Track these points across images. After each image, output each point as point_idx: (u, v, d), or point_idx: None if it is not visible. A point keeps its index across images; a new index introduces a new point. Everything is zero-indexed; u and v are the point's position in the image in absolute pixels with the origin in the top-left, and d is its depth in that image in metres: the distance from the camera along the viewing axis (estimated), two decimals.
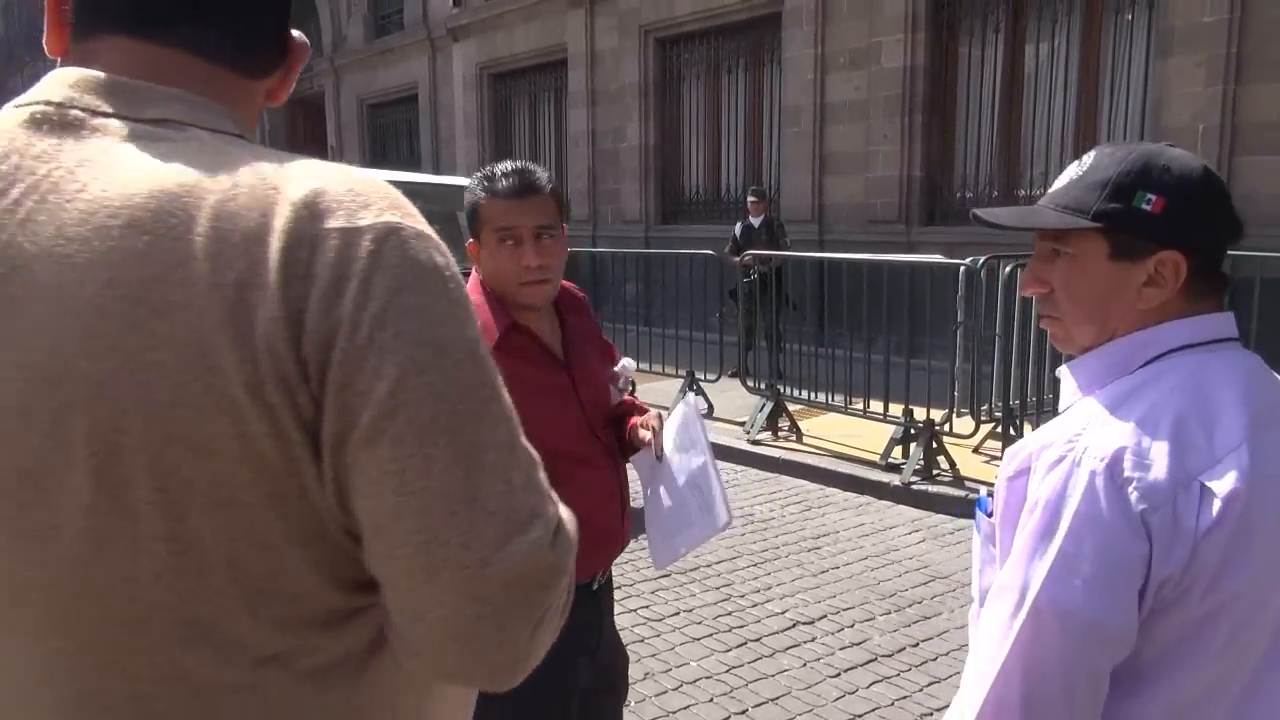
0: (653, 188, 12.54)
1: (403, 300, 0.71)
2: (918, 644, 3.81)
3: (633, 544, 2.22)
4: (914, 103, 9.38)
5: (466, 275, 1.49)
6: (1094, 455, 1.03)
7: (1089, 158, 1.18)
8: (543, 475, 0.79)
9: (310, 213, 0.71)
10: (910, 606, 4.17)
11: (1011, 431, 5.89)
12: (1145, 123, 7.99)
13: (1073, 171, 1.18)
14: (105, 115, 0.76)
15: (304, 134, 19.90)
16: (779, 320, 7.82)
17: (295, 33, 0.91)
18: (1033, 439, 1.12)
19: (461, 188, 2.09)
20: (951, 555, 4.80)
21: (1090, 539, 1.01)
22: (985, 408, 5.95)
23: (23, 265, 0.70)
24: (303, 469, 0.71)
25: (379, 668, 0.79)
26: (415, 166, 15.87)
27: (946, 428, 5.95)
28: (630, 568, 4.41)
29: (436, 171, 14.92)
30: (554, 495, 0.79)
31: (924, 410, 5.93)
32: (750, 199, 9.13)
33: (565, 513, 0.80)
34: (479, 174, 1.95)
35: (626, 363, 2.12)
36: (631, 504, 2.10)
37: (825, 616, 4.06)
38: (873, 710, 3.30)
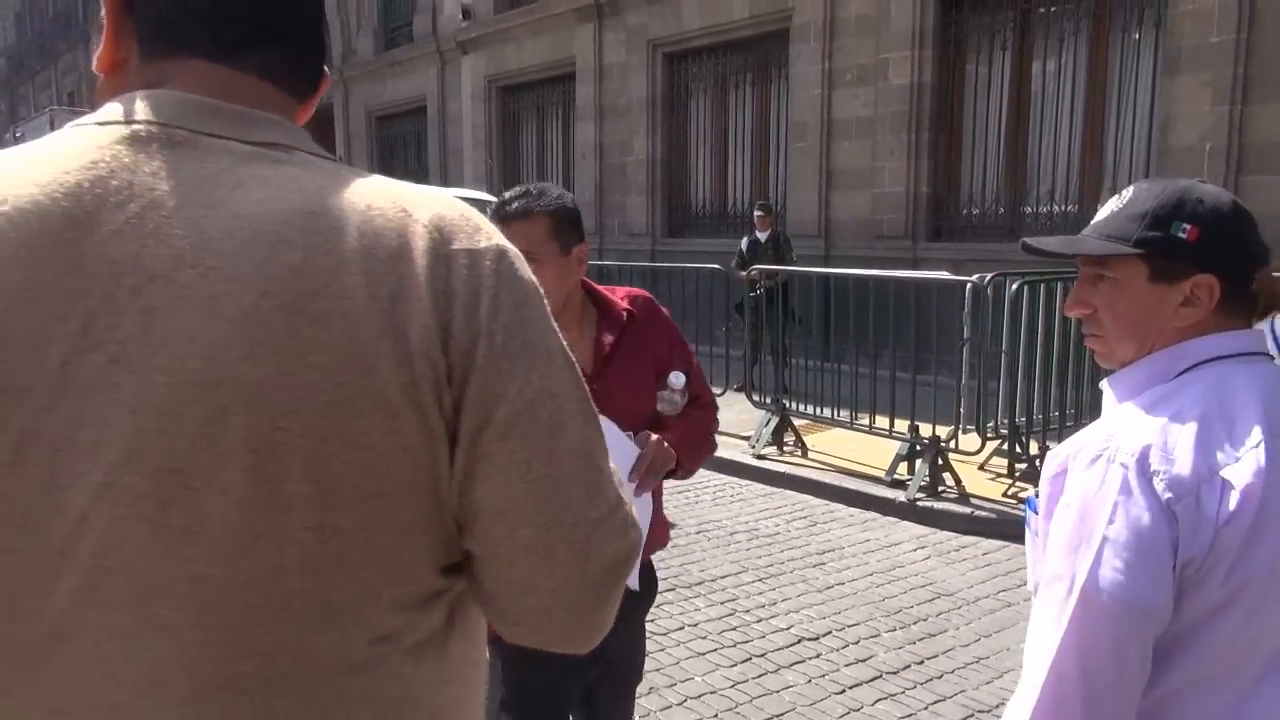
0: (659, 201, 12.57)
1: (522, 313, 0.82)
2: (923, 661, 3.80)
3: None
4: (921, 119, 9.40)
5: None
6: (1126, 452, 1.16)
7: (1128, 192, 1.32)
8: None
9: (441, 235, 0.81)
10: (915, 624, 4.16)
11: (1018, 449, 5.89)
12: (1152, 142, 7.99)
13: (1113, 205, 1.32)
14: (214, 136, 0.81)
15: None
16: (785, 335, 7.83)
17: None
18: (1071, 441, 1.25)
19: (477, 200, 2.14)
20: (957, 572, 4.79)
21: (1126, 526, 1.14)
22: (991, 424, 5.94)
23: (161, 275, 0.74)
24: (439, 461, 0.80)
25: (453, 643, 0.88)
26: (422, 178, 15.92)
27: (952, 444, 5.94)
28: None
29: (444, 183, 14.96)
30: None
31: (930, 426, 5.93)
32: (757, 213, 9.15)
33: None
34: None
35: (672, 379, 2.12)
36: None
37: (830, 633, 4.06)
38: None
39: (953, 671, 3.70)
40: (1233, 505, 1.13)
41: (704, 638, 3.99)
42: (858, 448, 6.58)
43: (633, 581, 2.01)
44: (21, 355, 0.72)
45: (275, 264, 0.75)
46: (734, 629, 4.08)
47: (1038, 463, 5.68)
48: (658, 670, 3.65)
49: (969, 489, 5.72)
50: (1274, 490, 1.14)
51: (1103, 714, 1.16)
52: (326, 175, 0.82)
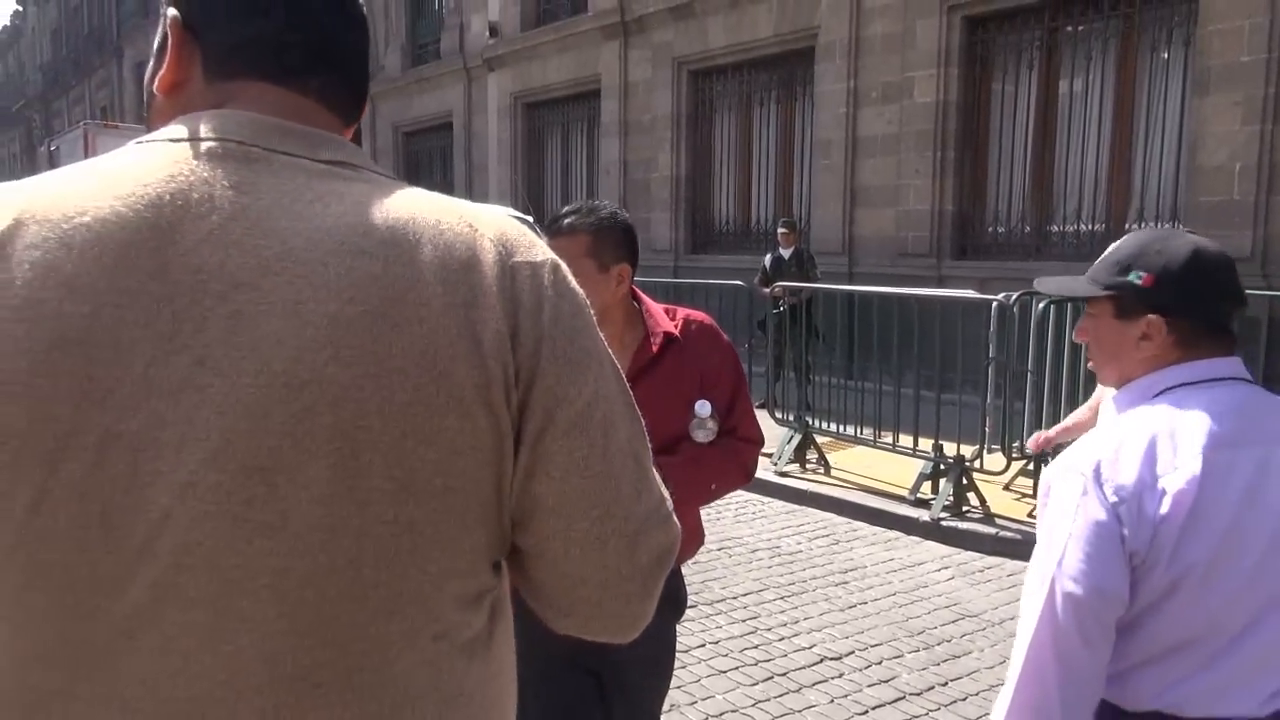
0: (683, 218, 12.59)
1: (577, 321, 0.88)
2: (946, 683, 3.76)
3: None
4: (946, 137, 9.38)
5: None
6: (1087, 463, 1.41)
7: (1120, 241, 1.56)
8: None
9: (505, 249, 0.87)
10: (939, 645, 4.13)
11: (1044, 468, 5.83)
12: (1181, 161, 7.94)
13: (1108, 251, 1.55)
14: (287, 154, 0.85)
15: None
16: (808, 352, 7.80)
17: None
18: (1061, 457, 1.47)
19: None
20: (982, 593, 4.75)
21: (1085, 524, 1.38)
22: (1017, 444, 5.89)
23: (246, 283, 0.78)
24: (505, 458, 0.85)
25: (494, 643, 0.92)
26: (448, 193, 15.85)
27: (977, 464, 5.89)
28: None
29: (469, 198, 15.05)
30: None
31: (954, 445, 5.88)
32: (781, 230, 9.14)
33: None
34: None
35: (698, 407, 2.14)
36: None
37: (853, 653, 4.03)
38: None
39: (977, 693, 3.66)
40: (1167, 508, 1.35)
41: (725, 655, 3.97)
42: (881, 466, 6.54)
43: None
44: (107, 359, 0.75)
45: (357, 273, 0.79)
46: (756, 647, 4.06)
47: None
48: (679, 688, 3.64)
49: (994, 509, 5.67)
50: (1209, 494, 1.36)
51: (1073, 677, 1.40)
52: (395, 192, 0.88)
